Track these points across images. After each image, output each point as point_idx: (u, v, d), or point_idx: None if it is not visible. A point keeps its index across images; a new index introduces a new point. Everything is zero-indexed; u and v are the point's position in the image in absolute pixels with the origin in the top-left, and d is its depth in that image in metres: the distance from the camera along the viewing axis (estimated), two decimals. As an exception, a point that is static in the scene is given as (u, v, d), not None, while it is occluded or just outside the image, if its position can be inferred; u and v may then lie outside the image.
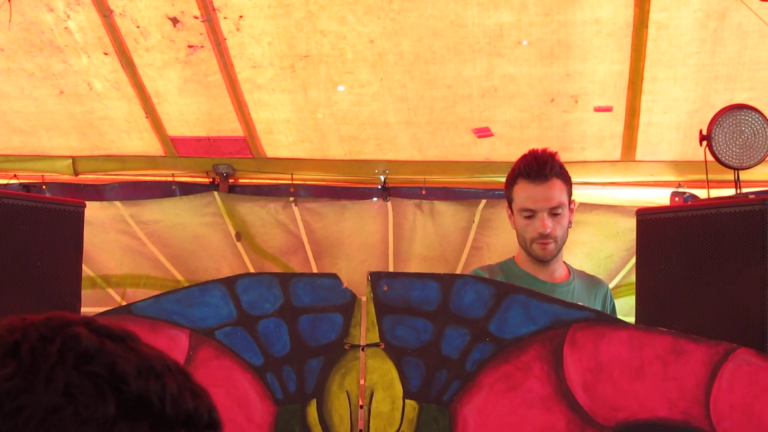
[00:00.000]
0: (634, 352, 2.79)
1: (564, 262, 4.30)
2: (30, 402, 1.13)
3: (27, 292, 3.65)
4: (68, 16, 5.59)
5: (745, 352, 2.75)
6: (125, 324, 2.92)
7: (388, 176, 6.17)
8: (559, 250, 4.15)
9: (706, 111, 5.08)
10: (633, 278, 4.37)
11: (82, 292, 3.91)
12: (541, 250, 4.10)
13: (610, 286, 5.80)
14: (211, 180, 6.41)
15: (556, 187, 4.08)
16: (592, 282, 4.37)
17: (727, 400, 2.72)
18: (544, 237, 4.08)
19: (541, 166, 4.08)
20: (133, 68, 5.85)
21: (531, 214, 4.09)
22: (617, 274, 5.93)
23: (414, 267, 6.17)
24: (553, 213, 4.07)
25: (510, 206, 4.20)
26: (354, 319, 2.87)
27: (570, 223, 4.18)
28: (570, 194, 4.16)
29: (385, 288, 2.88)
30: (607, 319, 2.91)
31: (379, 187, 6.21)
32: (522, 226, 4.14)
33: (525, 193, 4.11)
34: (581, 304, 3.71)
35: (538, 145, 4.19)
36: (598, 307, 4.19)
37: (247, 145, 6.20)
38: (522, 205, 4.11)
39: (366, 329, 2.88)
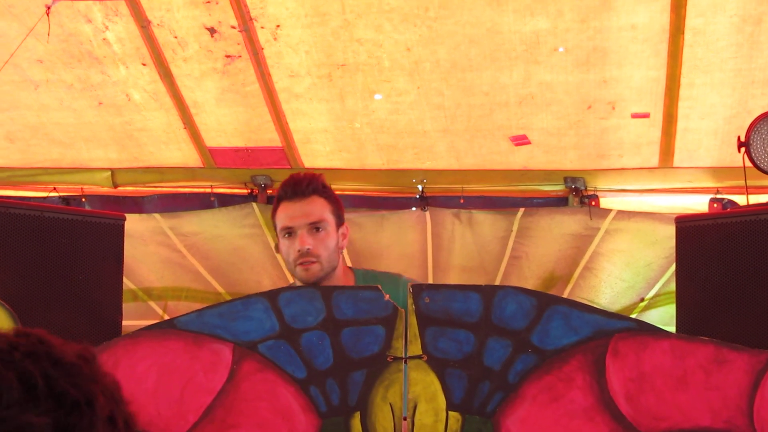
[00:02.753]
0: (676, 362, 2.79)
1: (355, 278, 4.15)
2: None
3: (68, 306, 3.67)
4: (106, 27, 5.63)
5: (788, 361, 2.74)
6: (169, 338, 2.95)
7: (426, 185, 6.16)
8: (326, 272, 4.01)
9: (744, 116, 5.08)
10: (673, 287, 4.35)
11: (124, 305, 3.95)
12: (304, 271, 3.97)
13: (649, 295, 5.79)
14: (249, 191, 6.43)
15: (317, 204, 4.01)
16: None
17: (770, 409, 2.71)
18: (304, 255, 3.96)
19: (297, 184, 4.02)
20: (171, 79, 5.88)
21: (290, 231, 4.01)
22: (656, 283, 5.89)
23: (453, 277, 6.13)
24: (315, 227, 3.98)
25: (277, 236, 4.13)
26: (396, 332, 2.88)
27: (342, 247, 4.08)
28: (337, 215, 4.07)
29: (427, 300, 2.89)
30: (649, 329, 2.90)
31: (417, 196, 6.20)
32: (284, 249, 4.05)
33: (284, 212, 4.03)
34: None
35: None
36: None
37: (285, 156, 6.21)
38: (281, 225, 4.04)
39: (408, 341, 2.89)
